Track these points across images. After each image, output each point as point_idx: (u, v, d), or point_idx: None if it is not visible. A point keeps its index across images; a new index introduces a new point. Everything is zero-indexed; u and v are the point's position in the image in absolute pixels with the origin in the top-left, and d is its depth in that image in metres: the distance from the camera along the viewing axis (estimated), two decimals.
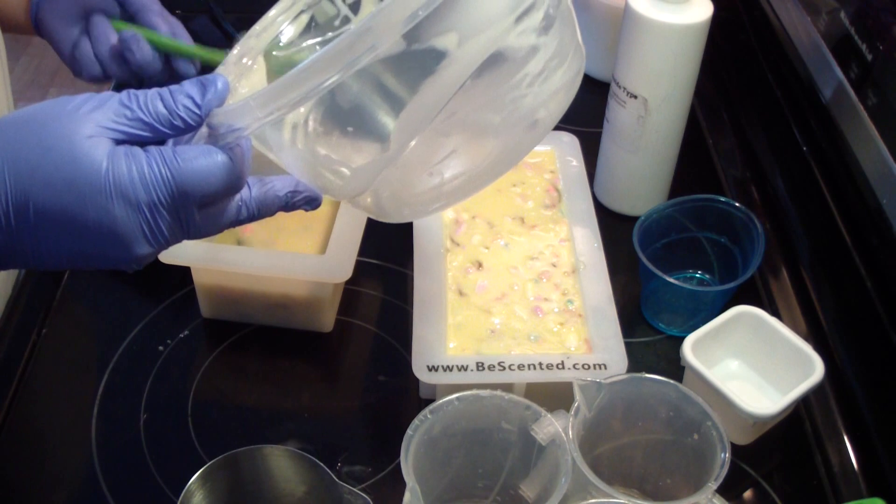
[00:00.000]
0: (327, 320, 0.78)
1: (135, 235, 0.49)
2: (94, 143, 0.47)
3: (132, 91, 0.49)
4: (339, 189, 0.55)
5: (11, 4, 0.84)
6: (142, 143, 0.49)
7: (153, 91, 0.49)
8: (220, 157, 0.49)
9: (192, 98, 0.49)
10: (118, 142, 0.48)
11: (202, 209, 0.51)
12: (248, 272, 0.73)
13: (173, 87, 0.50)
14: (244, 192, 0.53)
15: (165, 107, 0.49)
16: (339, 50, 0.45)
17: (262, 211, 0.54)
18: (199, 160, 0.49)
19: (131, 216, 0.48)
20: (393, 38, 0.45)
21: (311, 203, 0.56)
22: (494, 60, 0.51)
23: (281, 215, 0.76)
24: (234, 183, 0.51)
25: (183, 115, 0.49)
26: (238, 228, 0.78)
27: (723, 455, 0.56)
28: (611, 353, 0.68)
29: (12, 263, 0.50)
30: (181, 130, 0.50)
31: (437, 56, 0.50)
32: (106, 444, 0.70)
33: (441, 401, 0.59)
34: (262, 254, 0.76)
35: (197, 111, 0.49)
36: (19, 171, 0.47)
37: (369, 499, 0.56)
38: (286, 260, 0.74)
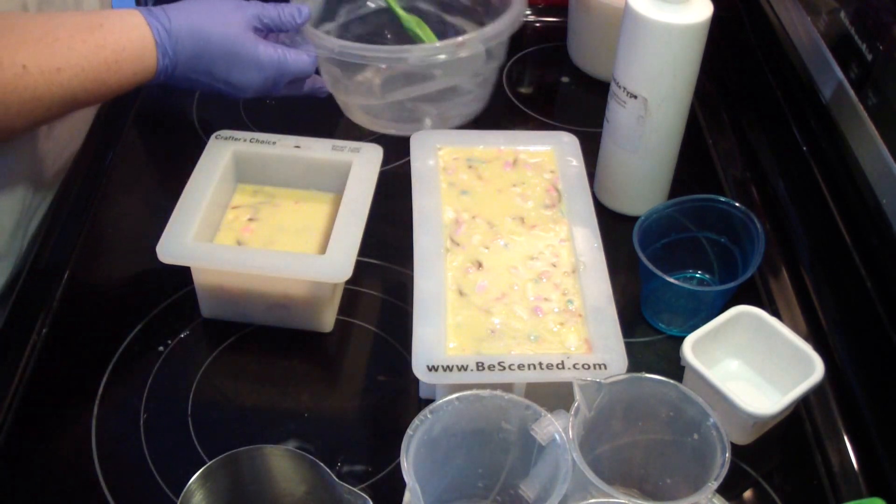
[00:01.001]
0: (327, 320, 0.78)
1: (253, 88, 0.83)
2: (248, 32, 0.81)
3: (261, 3, 0.84)
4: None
5: None
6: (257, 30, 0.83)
7: (271, 5, 0.84)
8: (306, 57, 0.85)
9: (293, 16, 0.85)
10: (255, 29, 0.82)
11: (289, 83, 0.86)
12: (248, 272, 0.73)
13: (282, 5, 0.84)
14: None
15: (280, 17, 0.84)
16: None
17: (311, 91, 0.91)
18: (297, 56, 0.84)
19: (257, 78, 0.82)
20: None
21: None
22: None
23: (281, 216, 0.81)
24: (309, 72, 0.86)
25: (288, 24, 0.85)
26: (238, 228, 0.79)
27: (723, 455, 0.56)
28: (611, 353, 0.68)
29: (183, 85, 0.81)
30: (280, 30, 0.85)
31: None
32: (106, 444, 0.70)
33: (441, 401, 0.59)
34: (262, 254, 0.76)
35: (295, 23, 0.85)
36: (207, 36, 0.78)
37: (369, 499, 0.56)
38: (286, 260, 0.74)
